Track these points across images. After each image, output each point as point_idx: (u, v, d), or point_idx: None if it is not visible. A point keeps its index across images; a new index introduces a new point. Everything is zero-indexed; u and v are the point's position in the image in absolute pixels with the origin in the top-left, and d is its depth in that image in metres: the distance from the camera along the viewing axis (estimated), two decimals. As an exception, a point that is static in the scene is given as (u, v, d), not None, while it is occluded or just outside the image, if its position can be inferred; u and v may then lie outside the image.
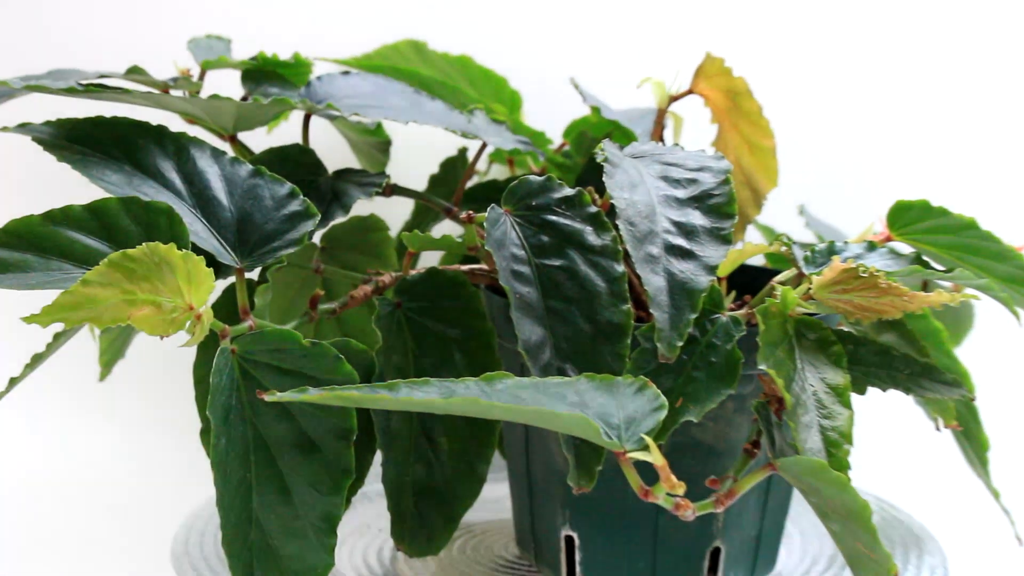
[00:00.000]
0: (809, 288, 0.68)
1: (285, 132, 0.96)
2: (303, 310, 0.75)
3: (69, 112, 0.74)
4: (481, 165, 1.01)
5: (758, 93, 0.85)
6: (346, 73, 0.86)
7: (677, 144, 0.76)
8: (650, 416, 0.61)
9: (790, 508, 0.84)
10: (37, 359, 0.74)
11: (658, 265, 0.66)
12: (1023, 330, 0.75)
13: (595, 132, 0.93)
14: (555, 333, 0.68)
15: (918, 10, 1.14)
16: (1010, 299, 0.71)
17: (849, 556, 0.64)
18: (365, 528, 0.91)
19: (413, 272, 0.76)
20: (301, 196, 0.71)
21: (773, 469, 0.64)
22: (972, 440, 0.88)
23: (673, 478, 0.61)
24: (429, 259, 1.01)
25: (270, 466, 0.66)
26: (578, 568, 0.80)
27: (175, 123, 0.77)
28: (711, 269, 0.67)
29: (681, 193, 0.70)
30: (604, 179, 0.69)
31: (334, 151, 1.00)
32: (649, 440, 0.60)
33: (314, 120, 0.85)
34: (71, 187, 0.74)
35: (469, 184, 0.90)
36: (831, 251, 0.72)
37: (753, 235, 1.04)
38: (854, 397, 0.68)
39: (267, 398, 0.60)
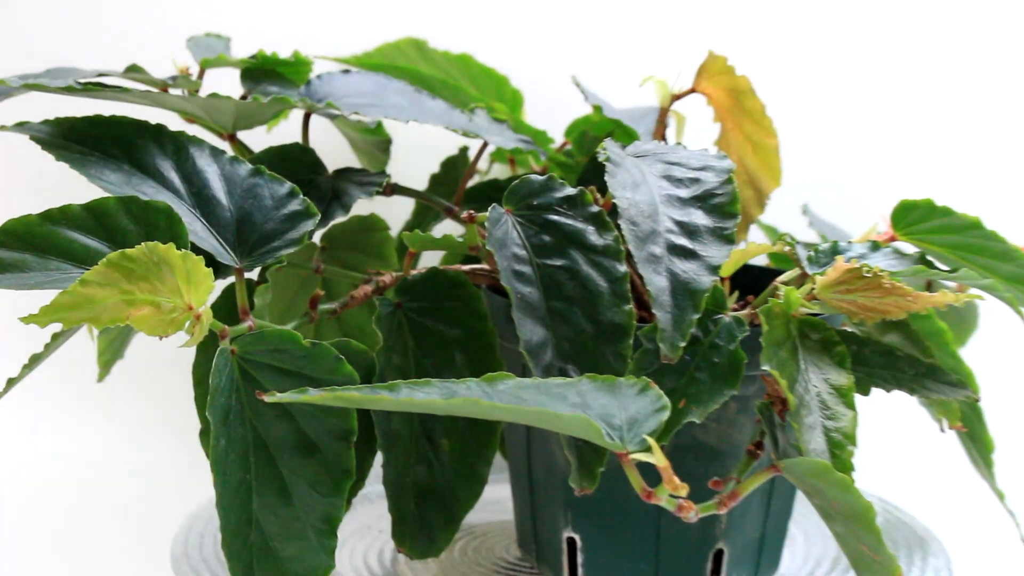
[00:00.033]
0: (813, 288, 0.68)
1: (285, 131, 0.96)
2: (303, 310, 0.75)
3: (67, 111, 0.73)
4: (482, 164, 1.01)
5: (761, 92, 0.85)
6: (346, 72, 0.86)
7: (680, 143, 0.76)
8: (652, 417, 0.61)
9: (793, 510, 0.84)
10: (35, 359, 0.74)
11: (660, 265, 0.66)
12: (1028, 330, 0.74)
13: (597, 131, 0.93)
14: (557, 333, 0.68)
15: (922, 8, 1.14)
16: (1015, 299, 0.71)
17: (853, 558, 0.64)
18: (366, 530, 0.91)
19: (414, 272, 0.76)
20: (301, 195, 0.70)
21: (776, 470, 0.64)
22: (977, 441, 0.88)
23: (676, 479, 0.61)
24: (430, 259, 1.01)
25: (270, 467, 0.66)
26: (580, 570, 0.79)
27: (174, 122, 0.77)
28: (714, 269, 0.67)
29: (684, 192, 0.70)
30: (606, 178, 0.69)
31: (334, 150, 1.00)
32: (652, 441, 0.60)
33: (314, 119, 0.85)
34: (69, 186, 0.74)
35: (470, 183, 0.90)
36: (835, 251, 0.72)
37: (756, 235, 1.04)
38: (858, 398, 0.68)
39: (267, 399, 0.60)
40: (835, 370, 0.68)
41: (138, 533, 0.97)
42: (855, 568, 0.64)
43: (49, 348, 0.74)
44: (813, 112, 1.13)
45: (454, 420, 0.76)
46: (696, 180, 0.70)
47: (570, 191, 0.70)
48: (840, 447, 0.65)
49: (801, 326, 0.69)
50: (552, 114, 0.99)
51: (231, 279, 0.71)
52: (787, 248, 0.73)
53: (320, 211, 0.71)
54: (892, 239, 0.75)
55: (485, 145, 0.84)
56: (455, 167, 0.97)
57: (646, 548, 0.77)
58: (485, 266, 0.78)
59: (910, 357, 0.71)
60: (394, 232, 0.86)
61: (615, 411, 0.61)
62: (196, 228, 0.68)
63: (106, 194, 0.66)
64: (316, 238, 0.83)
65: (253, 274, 0.74)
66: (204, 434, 0.71)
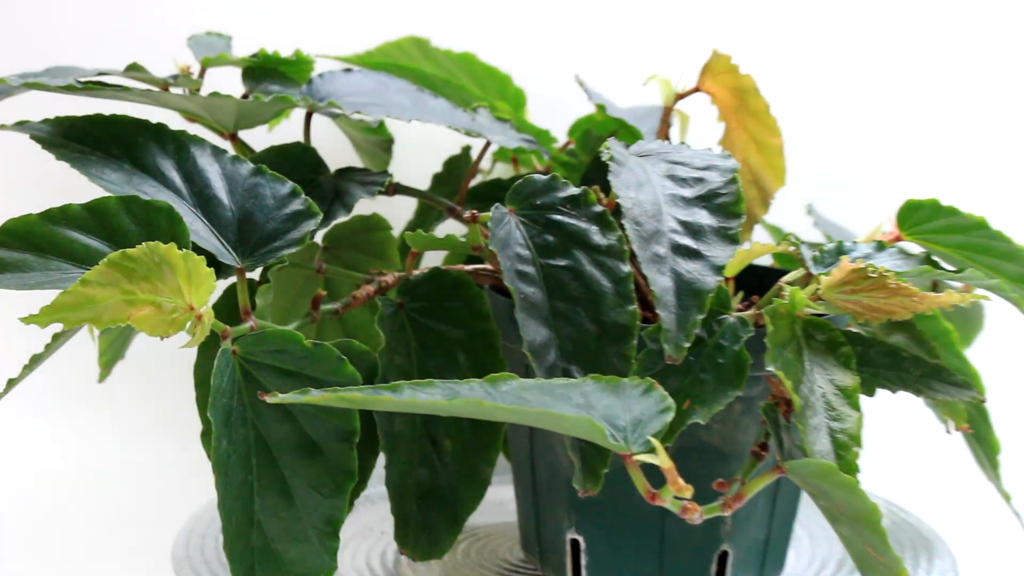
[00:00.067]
0: (817, 288, 0.68)
1: (286, 130, 0.96)
2: (305, 310, 0.75)
3: (68, 110, 0.73)
4: (485, 164, 1.01)
5: (765, 91, 0.85)
6: (348, 70, 0.86)
7: (683, 142, 0.76)
8: (657, 418, 0.61)
9: (799, 511, 0.83)
10: (36, 360, 0.74)
11: (664, 265, 0.66)
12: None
13: (600, 130, 0.93)
14: (560, 334, 0.67)
15: (927, 7, 1.14)
16: (1021, 299, 0.71)
17: (858, 560, 0.64)
18: (368, 531, 0.91)
19: (416, 272, 0.76)
20: (303, 195, 0.70)
21: (781, 472, 0.64)
22: (983, 442, 0.88)
23: (680, 481, 0.60)
24: (432, 259, 1.01)
25: (272, 468, 0.66)
26: (584, 572, 0.79)
27: (175, 121, 0.77)
28: (718, 269, 0.67)
29: (688, 192, 0.70)
30: (610, 178, 0.69)
31: (336, 150, 1.00)
32: (656, 442, 0.60)
33: (316, 118, 0.85)
34: (70, 186, 0.74)
35: (473, 183, 0.90)
36: (840, 251, 0.72)
37: (760, 235, 1.04)
38: (863, 399, 0.68)
39: (269, 400, 0.60)
40: (840, 371, 0.68)
41: (139, 535, 0.97)
42: (860, 570, 0.64)
43: (50, 348, 0.74)
44: (818, 111, 1.13)
45: (457, 421, 0.76)
46: (700, 180, 0.70)
47: (573, 191, 0.70)
48: (845, 448, 0.65)
49: (806, 327, 0.68)
50: (555, 113, 0.99)
51: (232, 279, 0.71)
52: (792, 248, 0.73)
53: (322, 211, 0.71)
54: (897, 239, 0.76)
55: (488, 144, 0.84)
56: (458, 166, 0.97)
57: (650, 550, 0.77)
58: (488, 266, 0.78)
59: (915, 358, 0.71)
60: (396, 232, 0.86)
61: (619, 412, 0.61)
62: (197, 228, 0.68)
63: (107, 194, 0.66)
64: (318, 238, 0.83)
65: (255, 274, 0.74)
66: (205, 435, 0.71)
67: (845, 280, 0.67)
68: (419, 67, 0.96)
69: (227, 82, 0.84)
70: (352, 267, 0.83)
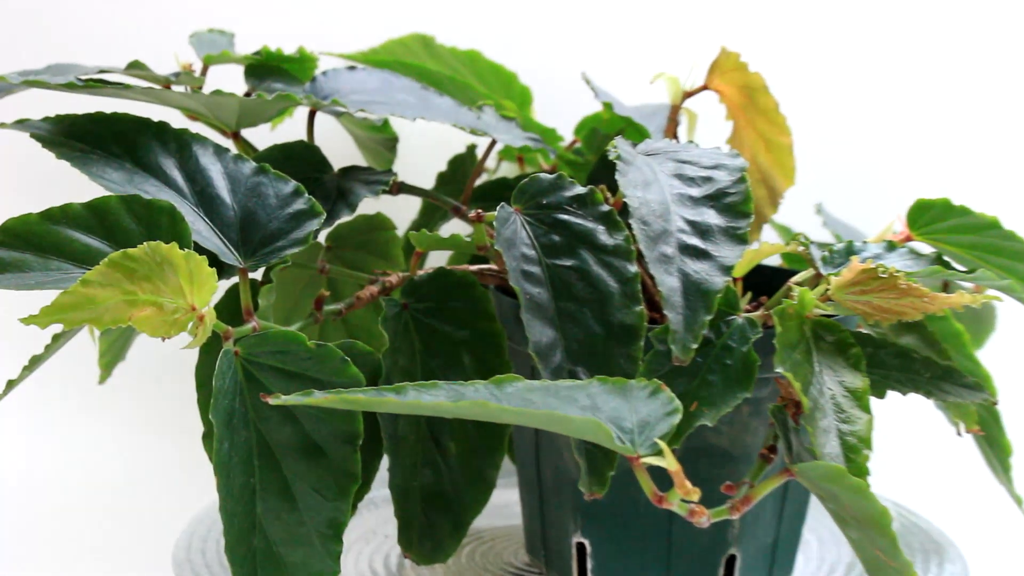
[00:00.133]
0: (827, 289, 0.68)
1: (289, 129, 0.96)
2: (308, 311, 0.76)
3: (68, 108, 0.73)
4: (490, 163, 1.02)
5: (775, 89, 0.85)
6: (352, 68, 0.86)
7: (691, 141, 0.76)
8: (664, 420, 0.61)
9: (807, 514, 0.83)
10: (36, 361, 0.74)
11: (672, 265, 0.66)
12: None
13: (607, 129, 0.93)
14: (566, 335, 0.67)
15: (938, 3, 1.14)
16: (1033, 300, 0.71)
17: (868, 564, 0.63)
18: (371, 535, 0.91)
19: (421, 272, 0.76)
20: (306, 194, 0.70)
21: (790, 475, 0.64)
22: (994, 445, 0.88)
23: (688, 484, 0.60)
24: (437, 259, 1.01)
25: (274, 471, 0.66)
26: None
27: (177, 119, 0.77)
28: (726, 269, 0.66)
29: (696, 191, 0.70)
30: (617, 177, 0.68)
31: (340, 148, 1.00)
32: (663, 445, 0.60)
33: (319, 117, 0.85)
34: (70, 185, 0.74)
35: (478, 182, 0.90)
36: (849, 251, 0.72)
37: (769, 234, 1.04)
38: (873, 401, 0.68)
39: (271, 401, 0.60)
40: (850, 372, 0.68)
41: (140, 538, 0.97)
42: (870, 574, 0.64)
43: (50, 349, 0.74)
44: (828, 109, 1.13)
45: (462, 423, 0.76)
46: (708, 179, 0.70)
47: (580, 190, 0.70)
48: (855, 451, 0.65)
49: (815, 328, 0.68)
50: (561, 111, 0.99)
51: (235, 279, 0.71)
52: (801, 248, 0.73)
53: (325, 210, 0.71)
54: (908, 239, 0.75)
55: (493, 143, 0.84)
56: (463, 165, 0.96)
57: (657, 554, 0.77)
58: (493, 266, 0.78)
59: (926, 359, 0.71)
60: (401, 232, 0.86)
61: (626, 414, 0.61)
62: (199, 227, 0.68)
63: (108, 193, 0.66)
64: (321, 238, 0.83)
65: (257, 274, 0.74)
66: (207, 437, 0.71)
67: (855, 281, 0.67)
68: (424, 65, 0.96)
69: (229, 80, 0.84)
70: (356, 267, 0.83)
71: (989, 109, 1.16)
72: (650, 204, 0.67)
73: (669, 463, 0.59)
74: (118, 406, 1.11)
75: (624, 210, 0.67)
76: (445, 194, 0.88)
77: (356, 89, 0.83)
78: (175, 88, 0.79)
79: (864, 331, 0.73)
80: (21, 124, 0.71)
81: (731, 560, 0.78)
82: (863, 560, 0.64)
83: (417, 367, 0.75)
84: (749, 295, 0.79)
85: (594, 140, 0.94)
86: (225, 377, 0.65)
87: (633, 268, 0.68)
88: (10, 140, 0.84)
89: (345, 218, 0.77)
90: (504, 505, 0.93)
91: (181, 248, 0.60)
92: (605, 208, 0.70)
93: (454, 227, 1.05)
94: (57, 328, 0.73)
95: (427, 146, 1.01)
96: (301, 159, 0.79)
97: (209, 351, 0.73)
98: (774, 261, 0.93)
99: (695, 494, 0.60)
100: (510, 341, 0.77)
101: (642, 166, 0.70)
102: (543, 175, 0.71)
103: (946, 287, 0.82)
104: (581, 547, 0.79)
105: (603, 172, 0.85)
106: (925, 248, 0.73)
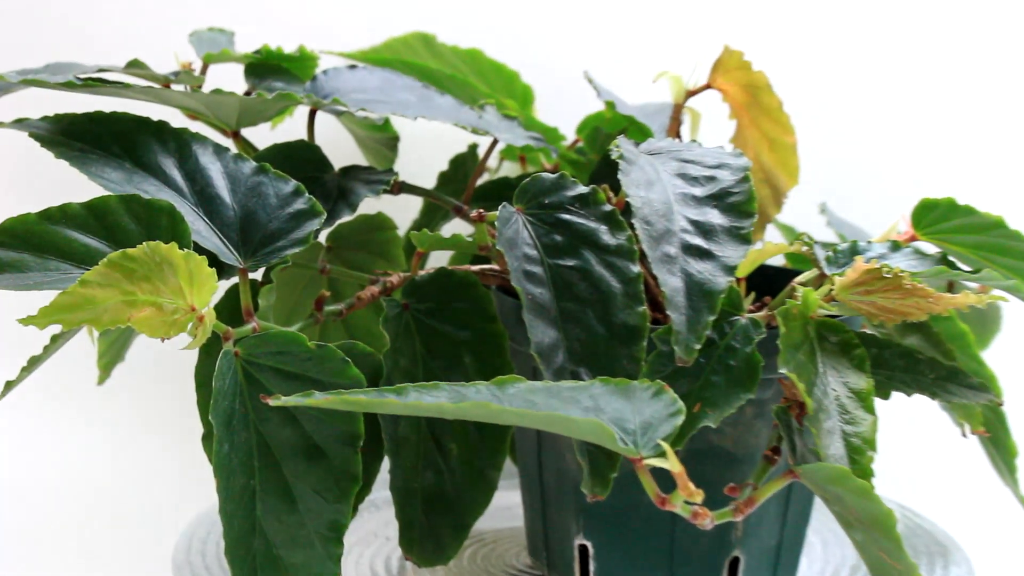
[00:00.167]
0: (831, 289, 0.68)
1: (290, 128, 0.96)
2: (308, 312, 0.75)
3: (67, 107, 0.73)
4: (492, 162, 1.02)
5: (778, 88, 0.84)
6: (353, 67, 0.86)
7: (694, 140, 0.76)
8: (667, 421, 0.61)
9: (811, 516, 0.83)
10: (34, 362, 0.74)
11: (675, 265, 0.66)
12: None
13: (610, 128, 0.93)
14: (569, 335, 0.67)
15: (942, 3, 1.13)
16: (1039, 300, 0.70)
17: (873, 566, 0.63)
18: (372, 537, 0.91)
19: (422, 272, 0.76)
20: (306, 194, 0.70)
21: (794, 476, 0.64)
22: (1000, 446, 0.88)
23: (691, 485, 0.60)
24: (438, 259, 1.00)
25: (274, 473, 0.66)
26: (592, 578, 0.79)
27: (176, 119, 0.77)
28: (730, 269, 0.66)
29: (699, 191, 0.69)
30: (619, 176, 0.68)
31: (340, 148, 1.00)
32: (666, 446, 0.59)
33: (320, 116, 0.85)
34: (69, 185, 0.74)
35: (479, 182, 0.90)
36: (854, 251, 0.72)
37: (773, 234, 1.04)
38: (878, 402, 0.68)
39: (271, 402, 0.60)
40: (854, 373, 0.68)
41: (139, 539, 0.97)
42: (875, 577, 0.63)
43: (48, 350, 0.74)
44: (832, 108, 1.13)
45: (463, 424, 0.76)
46: (712, 178, 0.70)
47: (582, 189, 0.70)
48: (859, 452, 0.65)
49: (819, 328, 0.68)
50: (563, 110, 0.99)
51: (235, 280, 0.71)
52: (805, 248, 0.73)
53: (326, 210, 0.71)
54: (913, 239, 0.75)
55: (495, 142, 0.84)
56: (464, 165, 0.96)
57: (660, 556, 0.77)
58: (495, 266, 0.78)
59: (931, 360, 0.71)
60: (402, 231, 0.86)
61: (628, 415, 0.61)
62: (199, 227, 0.68)
63: (107, 192, 0.66)
64: (322, 237, 0.83)
65: (257, 274, 0.74)
66: (207, 439, 0.71)
67: (859, 281, 0.67)
68: (425, 64, 0.96)
69: (229, 79, 0.84)
70: (356, 267, 0.83)
71: (994, 108, 1.15)
72: (653, 204, 0.67)
73: (672, 465, 0.59)
74: (117, 407, 1.11)
75: (627, 210, 0.67)
76: (446, 194, 0.88)
77: (357, 88, 0.83)
78: (175, 87, 0.78)
79: (868, 332, 0.73)
80: (20, 123, 0.71)
81: (734, 562, 0.78)
82: (867, 562, 0.63)
83: (418, 368, 0.75)
84: (753, 295, 0.79)
85: (596, 139, 0.94)
86: (225, 378, 0.64)
87: (636, 268, 0.68)
88: (9, 139, 0.84)
89: (346, 218, 0.77)
90: (506, 507, 0.93)
91: (181, 248, 0.60)
92: (607, 208, 0.69)
93: (455, 227, 1.05)
94: (56, 329, 0.73)
95: (428, 145, 1.01)
96: (301, 158, 0.79)
97: (209, 352, 0.73)
98: (778, 261, 0.93)
99: (698, 496, 0.60)
100: (512, 342, 0.77)
101: (645, 165, 0.70)
102: (545, 174, 0.71)
103: (951, 287, 0.81)
104: (583, 549, 0.79)
105: (605, 171, 0.85)
106: (930, 248, 0.73)
